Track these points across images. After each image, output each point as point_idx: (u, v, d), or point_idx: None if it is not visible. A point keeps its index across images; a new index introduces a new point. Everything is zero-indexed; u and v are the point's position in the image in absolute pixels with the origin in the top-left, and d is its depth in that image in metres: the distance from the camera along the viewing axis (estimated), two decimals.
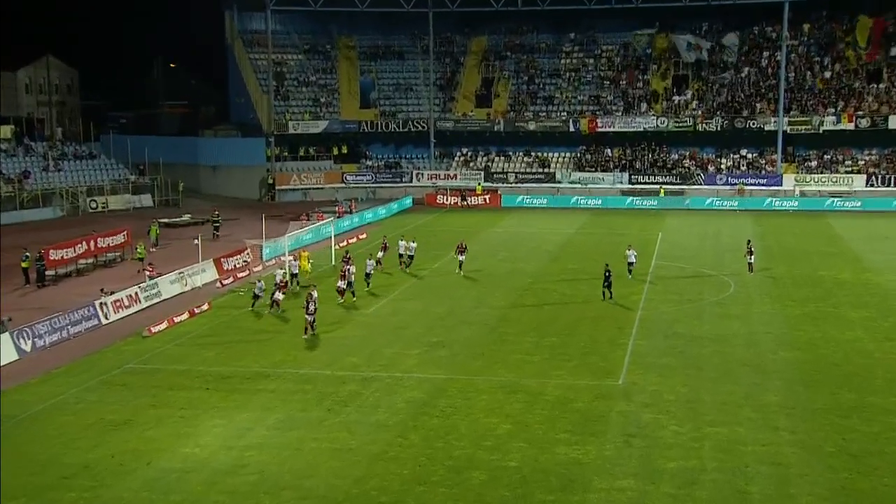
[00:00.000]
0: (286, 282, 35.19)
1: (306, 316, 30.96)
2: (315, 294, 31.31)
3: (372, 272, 38.75)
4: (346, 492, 18.89)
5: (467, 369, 27.30)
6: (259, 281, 34.96)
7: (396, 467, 20.01)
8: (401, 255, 41.94)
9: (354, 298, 36.07)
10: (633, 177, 71.55)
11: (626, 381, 25.92)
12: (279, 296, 34.42)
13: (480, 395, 24.74)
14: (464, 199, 69.87)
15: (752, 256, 41.65)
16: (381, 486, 19.14)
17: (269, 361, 28.31)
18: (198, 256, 40.90)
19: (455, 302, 36.54)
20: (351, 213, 62.51)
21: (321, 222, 52.47)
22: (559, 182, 72.60)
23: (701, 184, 69.84)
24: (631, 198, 68.45)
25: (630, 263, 40.16)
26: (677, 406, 23.77)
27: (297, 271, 39.33)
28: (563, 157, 76.28)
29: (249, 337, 31.62)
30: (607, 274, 35.48)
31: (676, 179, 70.65)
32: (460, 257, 42.07)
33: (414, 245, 42.27)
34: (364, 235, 54.95)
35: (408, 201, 71.09)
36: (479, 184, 72.47)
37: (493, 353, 29.07)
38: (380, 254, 42.70)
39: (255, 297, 34.51)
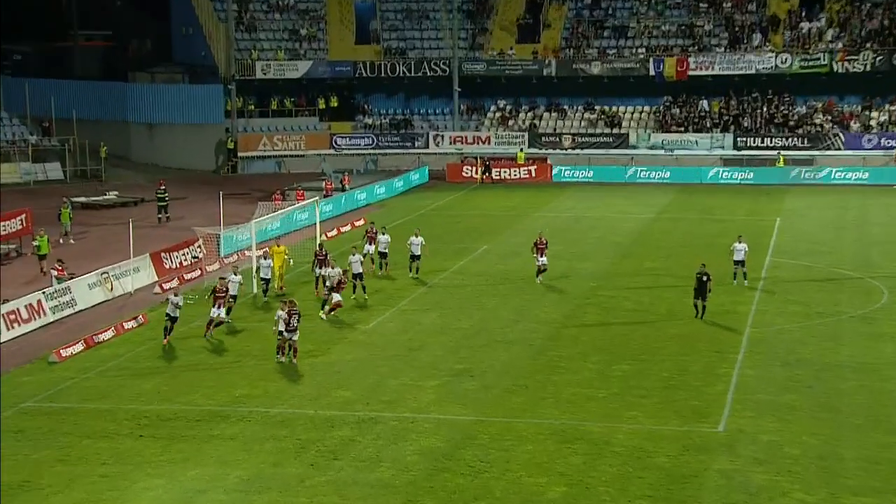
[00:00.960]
0: (224, 290, 34.29)
1: (284, 333, 30.99)
2: (296, 307, 31.31)
3: (362, 271, 38.60)
4: None
5: (504, 408, 27.21)
6: (176, 295, 33.65)
7: None
8: (412, 257, 41.33)
9: (328, 309, 35.90)
10: (739, 139, 71.14)
11: (730, 426, 25.69)
12: (218, 313, 33.78)
13: (523, 445, 24.62)
14: (487, 170, 69.71)
15: None
16: None
17: (228, 397, 28.32)
18: (128, 250, 41.12)
19: (487, 314, 36.47)
20: (344, 190, 62.70)
21: (302, 204, 52.62)
22: (634, 147, 72.49)
23: (840, 148, 69.27)
24: (735, 169, 67.98)
25: (738, 262, 39.71)
26: (804, 464, 23.46)
27: (268, 275, 39.14)
28: (640, 113, 76.00)
29: (202, 362, 31.67)
30: (703, 278, 35.00)
31: (803, 142, 70.16)
32: (540, 260, 40.56)
33: (419, 241, 41.49)
34: (361, 222, 55.04)
35: (422, 175, 71.21)
36: (521, 150, 72.45)
37: (541, 385, 28.98)
38: (367, 247, 42.64)
39: (170, 318, 33.20)
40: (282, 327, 30.93)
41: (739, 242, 39.84)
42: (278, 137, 75.89)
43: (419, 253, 41.21)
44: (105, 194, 63.09)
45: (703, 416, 26.43)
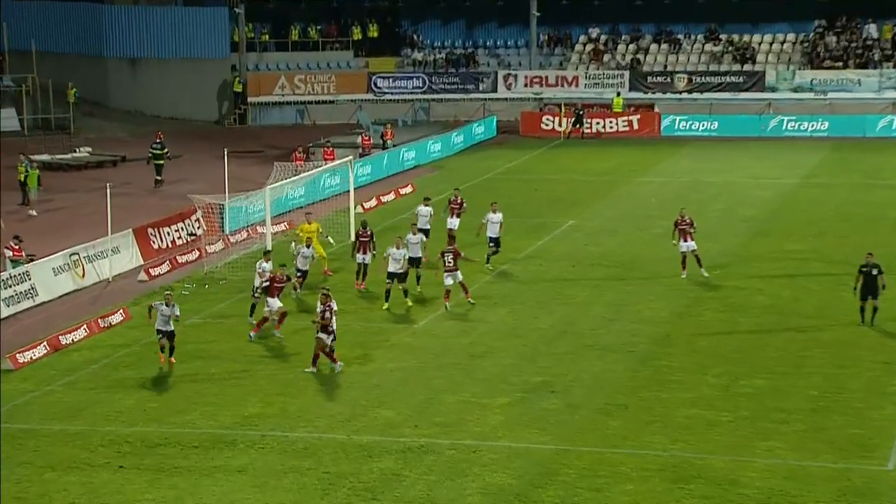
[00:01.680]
0: (284, 277, 34.59)
1: (319, 337, 31.26)
2: (333, 303, 31.48)
3: (420, 255, 38.55)
4: None
5: (597, 435, 27.19)
6: (168, 305, 32.04)
7: None
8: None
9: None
10: None
11: None
12: (275, 305, 34.14)
13: (621, 485, 24.56)
14: (578, 121, 69.46)
15: None
16: None
17: (235, 417, 28.57)
18: (105, 224, 41.59)
19: (573, 311, 36.48)
20: (385, 147, 62.85)
21: (330, 165, 52.85)
22: (772, 90, 71.72)
23: None
24: None
25: None
26: None
27: (306, 266, 38.37)
28: (782, 44, 75.04)
29: (200, 371, 31.98)
30: (872, 272, 33.99)
31: None
32: (685, 245, 39.58)
33: (498, 217, 41.22)
34: (409, 189, 55.20)
35: (488, 127, 71.08)
36: (618, 94, 72.09)
37: (646, 405, 28.92)
38: (451, 221, 42.34)
39: (164, 334, 32.20)
40: (331, 325, 31.16)
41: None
42: (300, 78, 76.17)
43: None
44: (75, 151, 63.86)
45: (866, 449, 26.12)
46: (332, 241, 42.04)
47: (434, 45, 79.40)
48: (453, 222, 42.47)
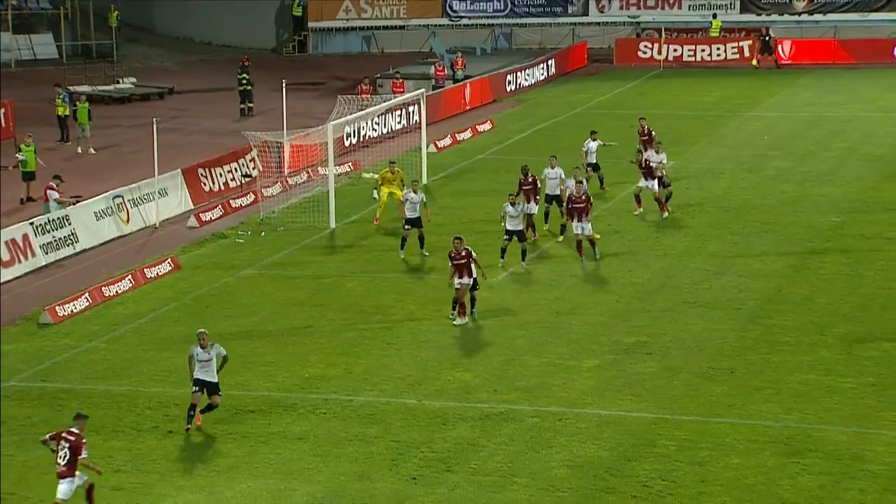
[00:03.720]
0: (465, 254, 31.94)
1: (457, 284, 31.44)
2: (464, 243, 31.57)
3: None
4: None
5: (698, 402, 27.16)
6: (204, 348, 26.53)
7: None
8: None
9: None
10: None
11: None
12: (462, 282, 32.00)
13: (727, 457, 24.52)
14: (767, 48, 67.92)
15: None
16: None
17: (294, 378, 28.83)
18: (152, 164, 41.88)
19: (672, 263, 36.43)
20: (455, 79, 62.69)
21: (399, 98, 52.85)
22: None
23: None
24: None
25: None
26: None
27: (415, 213, 37.36)
28: None
29: (255, 328, 32.28)
30: None
31: None
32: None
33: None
34: (488, 125, 55.11)
35: (577, 56, 70.59)
36: (715, 17, 71.28)
37: (754, 369, 28.82)
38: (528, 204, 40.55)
39: (200, 385, 26.58)
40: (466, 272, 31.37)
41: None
42: (367, 1, 76.07)
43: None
44: (118, 82, 64.31)
45: None
46: (373, 175, 41.91)
47: None
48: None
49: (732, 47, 69.61)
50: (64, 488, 22.14)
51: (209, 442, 25.68)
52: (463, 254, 31.40)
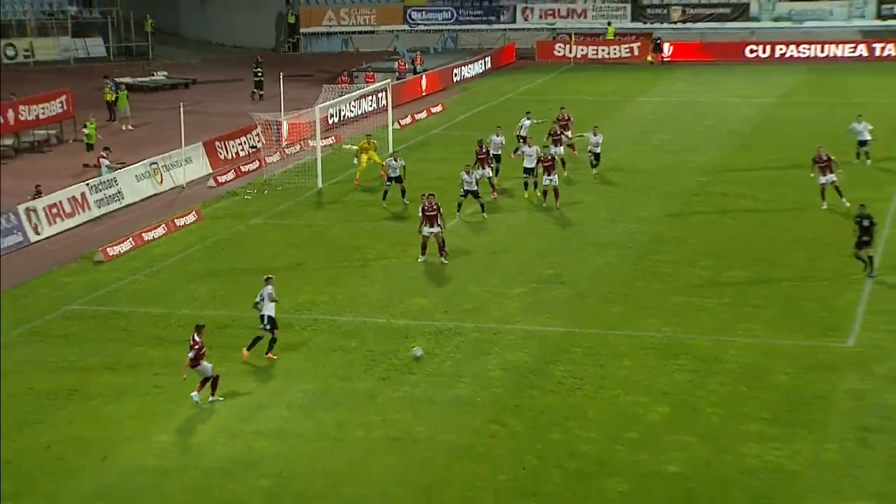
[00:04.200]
0: (435, 207, 31.19)
1: (430, 231, 30.90)
2: (435, 199, 31.12)
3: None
4: None
5: (600, 319, 27.26)
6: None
7: (489, 470, 20.21)
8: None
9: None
10: (884, 6, 68.59)
11: (862, 341, 25.43)
12: (432, 231, 31.18)
13: (620, 360, 24.69)
14: (657, 49, 67.77)
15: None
16: (464, 498, 19.38)
17: (291, 303, 28.69)
18: (179, 138, 41.56)
19: (581, 213, 36.42)
20: (416, 72, 62.36)
21: (371, 87, 52.56)
22: (755, 20, 70.58)
23: None
24: (880, 44, 65.81)
25: (862, 143, 40.16)
26: None
27: (397, 173, 36.93)
28: None
29: (261, 265, 32.13)
30: (864, 223, 29.07)
31: None
32: (825, 178, 35.25)
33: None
34: (439, 108, 54.88)
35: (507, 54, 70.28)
36: (610, 24, 71.09)
37: (642, 294, 28.93)
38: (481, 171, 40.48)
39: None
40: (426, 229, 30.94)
41: (859, 123, 40.30)
42: (345, 11, 75.48)
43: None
44: (153, 74, 63.66)
45: (830, 329, 26.16)
46: (354, 147, 41.61)
47: None
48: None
49: (626, 48, 69.47)
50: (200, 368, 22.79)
51: (225, 352, 25.57)
52: (434, 207, 31.04)
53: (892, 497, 19.00)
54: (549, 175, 36.32)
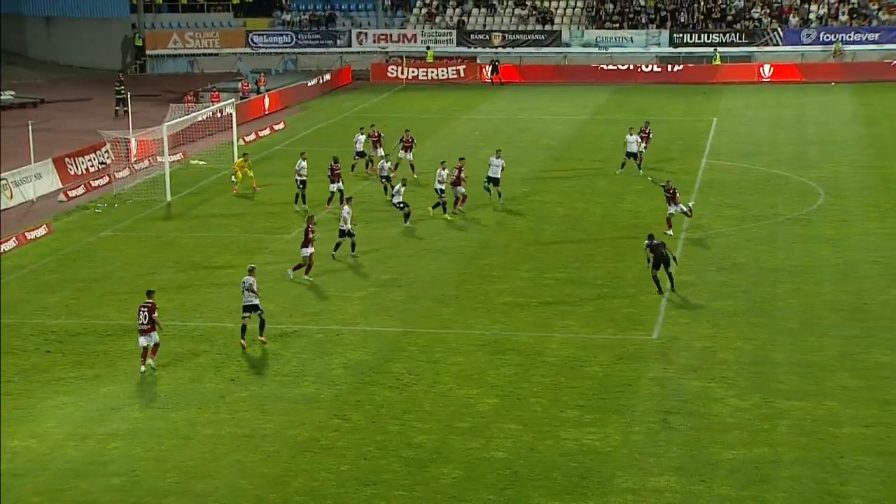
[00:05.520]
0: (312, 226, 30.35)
1: (306, 251, 29.77)
2: (314, 222, 30.26)
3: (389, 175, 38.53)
4: (259, 498, 18.90)
5: (433, 319, 27.34)
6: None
7: (332, 461, 20.06)
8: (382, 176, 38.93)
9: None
10: (675, 35, 71.15)
11: (664, 334, 26.15)
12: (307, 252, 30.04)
13: (453, 357, 24.81)
14: (495, 70, 67.66)
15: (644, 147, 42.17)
16: (309, 488, 19.17)
17: None
18: (28, 154, 40.02)
19: (415, 222, 36.36)
20: (259, 92, 61.59)
21: (215, 105, 51.62)
22: (567, 45, 72.06)
23: (778, 44, 69.71)
24: (672, 66, 68.14)
25: (630, 154, 41.69)
26: (738, 370, 24.00)
27: (304, 176, 37.31)
28: (573, 9, 75.39)
29: (111, 274, 31.25)
30: (661, 250, 28.54)
31: (740, 38, 70.46)
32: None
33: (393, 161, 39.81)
34: (281, 125, 54.29)
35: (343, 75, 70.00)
36: (428, 48, 71.74)
37: (471, 295, 29.12)
38: (402, 154, 41.95)
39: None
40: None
41: (630, 135, 41.75)
42: (190, 34, 74.00)
43: (385, 175, 38.75)
44: (0, 94, 61.24)
45: (637, 323, 26.84)
46: (202, 163, 41.13)
47: (300, 8, 77.76)
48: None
49: (452, 69, 69.98)
50: (142, 340, 23.93)
51: (77, 358, 24.80)
52: (313, 229, 29.94)
53: (689, 470, 19.60)
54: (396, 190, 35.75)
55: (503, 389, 22.97)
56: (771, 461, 19.95)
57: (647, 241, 28.99)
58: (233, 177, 41.08)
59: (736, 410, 21.94)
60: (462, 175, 36.96)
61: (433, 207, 36.65)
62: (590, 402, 22.37)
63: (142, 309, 24.08)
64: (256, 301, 25.27)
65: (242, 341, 25.23)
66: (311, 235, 29.98)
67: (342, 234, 31.93)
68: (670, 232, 33.64)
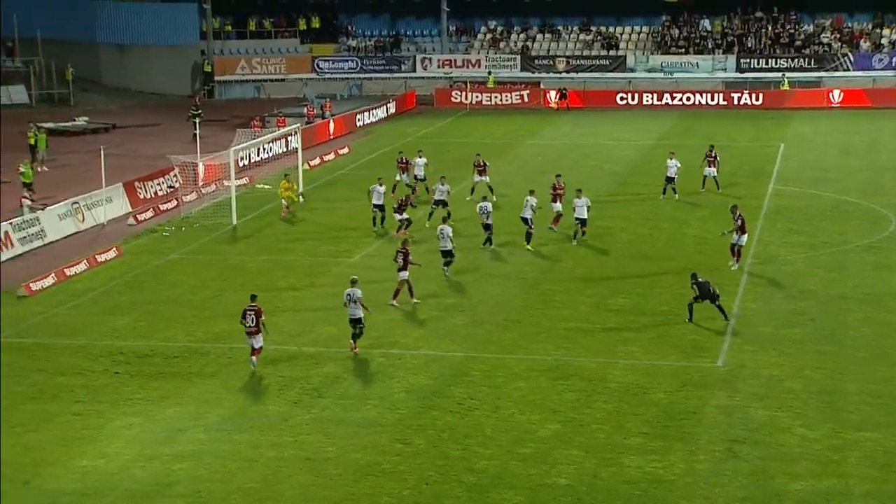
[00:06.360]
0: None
1: (402, 274, 29.82)
2: (408, 246, 30.35)
3: (382, 202, 38.07)
4: None
5: (496, 344, 27.33)
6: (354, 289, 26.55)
7: (394, 485, 20.07)
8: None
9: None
10: (742, 61, 70.58)
11: (729, 361, 25.87)
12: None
13: (515, 382, 24.75)
14: (563, 96, 68.19)
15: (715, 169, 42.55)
16: None
17: (208, 333, 28.34)
18: (100, 179, 40.76)
19: (477, 249, 36.37)
20: (324, 117, 62.22)
21: (282, 130, 52.23)
22: (632, 70, 71.90)
23: (849, 69, 68.79)
24: (740, 93, 67.60)
25: (669, 179, 41.86)
26: (807, 399, 23.64)
27: (381, 201, 37.56)
28: (639, 34, 75.22)
29: (180, 297, 31.66)
30: (702, 287, 27.93)
31: (810, 63, 69.71)
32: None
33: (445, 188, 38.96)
34: (346, 150, 54.74)
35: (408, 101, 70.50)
36: (490, 73, 71.84)
37: (534, 320, 29.07)
38: (398, 177, 42.85)
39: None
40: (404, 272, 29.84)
41: (671, 160, 42.23)
42: (257, 60, 75.10)
43: (382, 202, 38.27)
44: (74, 120, 62.52)
45: (702, 350, 26.58)
46: (267, 187, 41.49)
47: (365, 34, 78.60)
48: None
49: (516, 95, 70.12)
50: (251, 341, 25.37)
51: (145, 380, 25.13)
52: (400, 259, 29.94)
53: (756, 501, 19.31)
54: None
55: (565, 415, 22.86)
56: (841, 493, 19.59)
57: (692, 281, 28.29)
58: (283, 200, 41.05)
59: (804, 440, 21.59)
60: (560, 191, 37.70)
61: (527, 243, 35.82)
62: (653, 429, 22.17)
63: (248, 312, 25.32)
64: (360, 314, 26.32)
65: (355, 350, 26.35)
66: (409, 258, 30.06)
67: (445, 254, 32.44)
68: (735, 265, 32.81)
